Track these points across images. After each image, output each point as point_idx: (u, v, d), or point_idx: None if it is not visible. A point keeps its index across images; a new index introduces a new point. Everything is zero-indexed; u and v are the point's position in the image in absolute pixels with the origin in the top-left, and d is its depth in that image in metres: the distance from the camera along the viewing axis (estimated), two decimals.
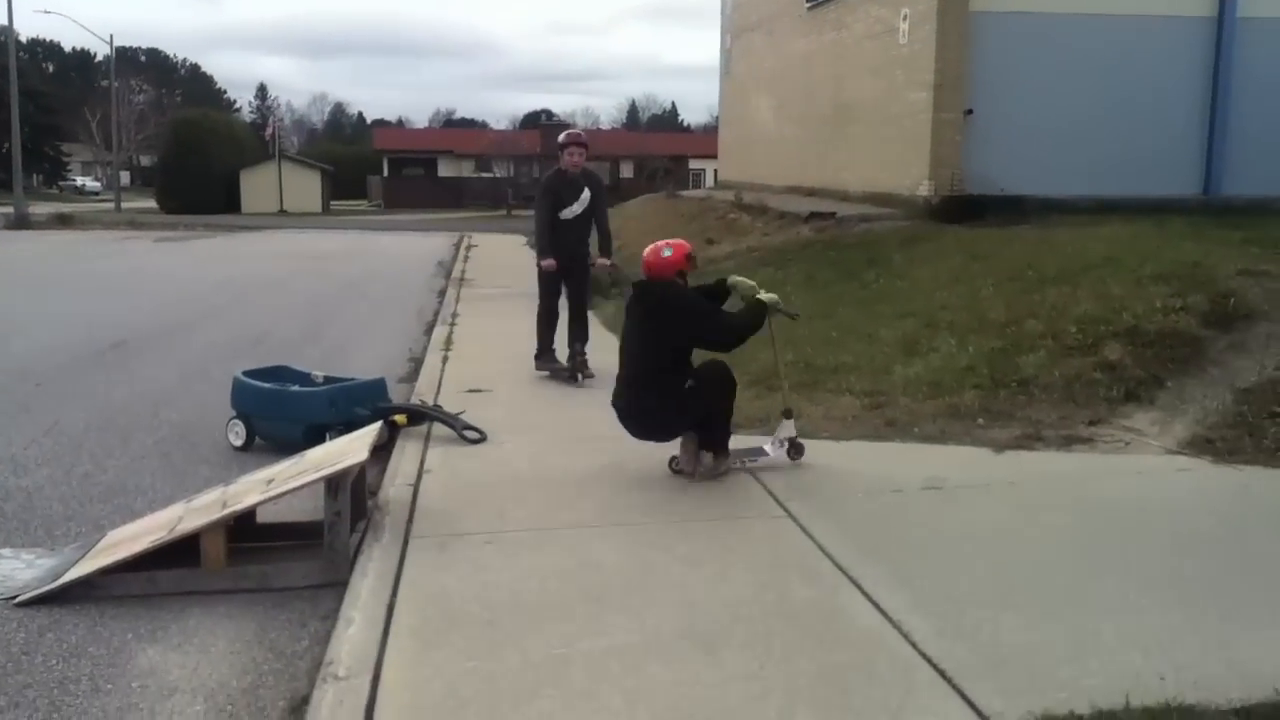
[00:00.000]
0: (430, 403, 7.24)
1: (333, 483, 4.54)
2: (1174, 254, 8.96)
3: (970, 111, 13.70)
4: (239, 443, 6.84)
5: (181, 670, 3.83)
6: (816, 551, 4.44)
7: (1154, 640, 3.53)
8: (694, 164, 54.89)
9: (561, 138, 8.63)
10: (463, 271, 18.19)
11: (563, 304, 8.73)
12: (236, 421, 6.87)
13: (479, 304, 13.67)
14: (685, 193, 28.24)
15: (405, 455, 6.16)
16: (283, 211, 49.28)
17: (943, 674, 3.33)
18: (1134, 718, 2.99)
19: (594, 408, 7.03)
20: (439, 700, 3.23)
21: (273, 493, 4.64)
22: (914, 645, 3.54)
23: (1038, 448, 5.94)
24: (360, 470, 4.98)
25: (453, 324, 11.69)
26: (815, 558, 4.38)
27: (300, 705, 3.46)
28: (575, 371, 8.25)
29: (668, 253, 5.63)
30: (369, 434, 5.14)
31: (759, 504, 5.10)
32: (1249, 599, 3.89)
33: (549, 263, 8.32)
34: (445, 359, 9.47)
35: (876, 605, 3.86)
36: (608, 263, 8.95)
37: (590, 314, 9.07)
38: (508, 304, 13.74)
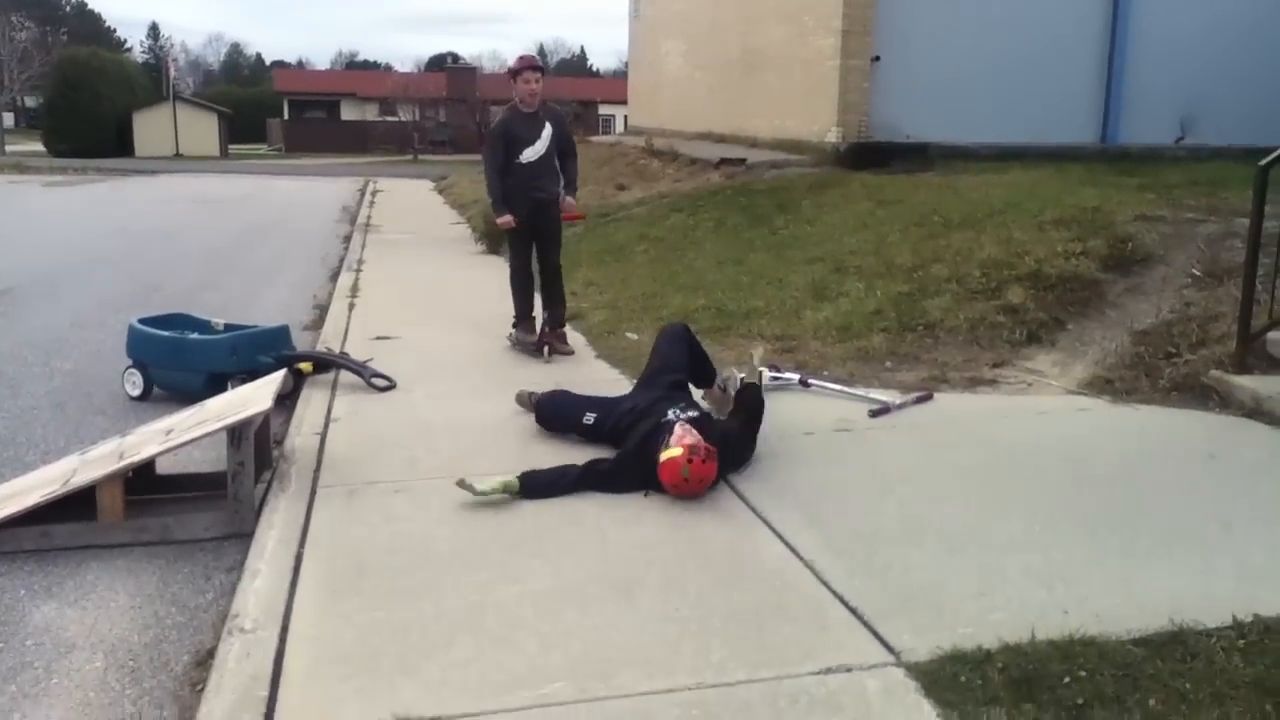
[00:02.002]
0: (337, 350, 7.09)
1: (235, 432, 4.41)
2: (1074, 200, 9.14)
3: (877, 59, 13.75)
4: (136, 392, 6.62)
5: (79, 626, 3.70)
6: (730, 494, 4.45)
7: (1057, 575, 3.62)
8: (604, 109, 54.48)
9: (513, 63, 7.25)
10: (368, 217, 17.81)
11: None
12: (133, 371, 6.64)
13: (386, 250, 13.40)
14: (595, 138, 27.99)
15: (311, 404, 6.02)
16: (179, 155, 47.55)
17: (854, 612, 3.37)
18: (1039, 651, 3.06)
19: (505, 354, 6.98)
20: (350, 650, 3.18)
21: (172, 443, 4.49)
22: (826, 584, 3.58)
23: (944, 389, 6.04)
24: (265, 419, 4.85)
25: (359, 270, 11.45)
26: (728, 500, 4.39)
27: (205, 659, 3.37)
28: (542, 345, 7.13)
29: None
30: (272, 382, 4.99)
31: None
32: (1145, 534, 4.01)
33: (506, 219, 7.13)
34: (351, 306, 9.27)
35: (789, 546, 3.90)
36: (574, 209, 7.50)
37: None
38: (416, 250, 13.52)
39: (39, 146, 49.56)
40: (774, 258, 9.64)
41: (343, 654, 3.16)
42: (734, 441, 4.74)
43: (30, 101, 73.29)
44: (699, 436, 4.43)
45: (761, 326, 7.45)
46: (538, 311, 7.37)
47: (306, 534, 4.09)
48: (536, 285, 7.39)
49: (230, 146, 52.43)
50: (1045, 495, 4.41)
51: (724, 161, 15.46)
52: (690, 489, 4.34)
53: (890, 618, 3.32)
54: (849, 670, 3.02)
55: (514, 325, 7.41)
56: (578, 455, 4.81)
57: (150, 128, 48.90)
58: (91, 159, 40.59)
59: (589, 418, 5.17)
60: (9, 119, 64.94)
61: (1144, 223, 8.20)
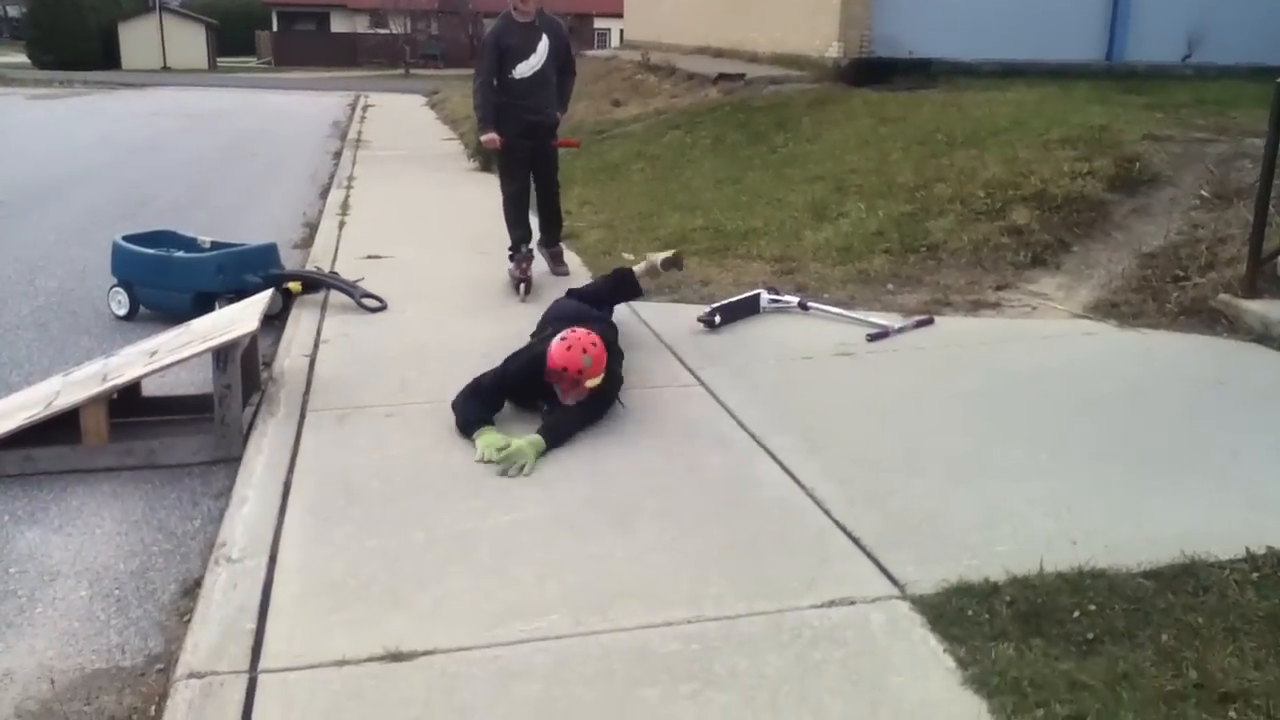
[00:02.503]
0: (327, 269, 6.93)
1: (221, 354, 4.29)
2: (1080, 118, 8.93)
3: None
4: (122, 312, 6.49)
5: (64, 553, 3.62)
6: (729, 419, 4.36)
7: (1063, 505, 3.54)
8: (599, 23, 53.26)
9: None
10: (359, 133, 17.46)
11: None
12: (119, 290, 6.49)
13: (377, 166, 13.14)
14: (590, 52, 27.42)
15: (301, 325, 5.89)
16: (166, 68, 46.62)
17: (856, 542, 3.30)
18: (1048, 584, 2.99)
19: (497, 274, 6.83)
20: (339, 580, 3.10)
21: (156, 365, 4.37)
22: (827, 513, 3.50)
23: (946, 313, 5.92)
24: (252, 340, 4.72)
25: (349, 188, 11.21)
26: (728, 426, 4.30)
27: (193, 588, 3.29)
28: (519, 283, 6.47)
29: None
30: (260, 302, 4.86)
31: (670, 373, 5.00)
32: (1153, 462, 3.93)
33: (489, 138, 6.54)
34: (341, 224, 9.08)
35: (790, 473, 3.81)
36: (569, 140, 6.98)
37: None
38: (407, 167, 13.26)
39: (24, 58, 48.53)
40: (773, 176, 9.45)
41: (331, 584, 3.08)
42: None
43: (13, 11, 71.68)
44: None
45: (760, 247, 7.30)
46: (535, 242, 6.92)
47: (295, 459, 3.99)
48: (532, 208, 6.96)
49: (218, 59, 51.39)
50: (1050, 422, 4.32)
51: (722, 77, 15.13)
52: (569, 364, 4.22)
53: (893, 548, 3.24)
54: (852, 603, 2.95)
55: (509, 256, 6.78)
56: None
57: (136, 39, 47.86)
58: (77, 71, 39.79)
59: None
60: None
61: (1152, 142, 8.00)
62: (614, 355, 4.67)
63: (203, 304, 6.13)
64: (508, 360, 4.54)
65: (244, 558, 3.25)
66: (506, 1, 6.68)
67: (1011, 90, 11.54)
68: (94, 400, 4.24)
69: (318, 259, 7.76)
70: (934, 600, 2.94)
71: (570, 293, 5.64)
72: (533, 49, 6.45)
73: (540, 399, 4.40)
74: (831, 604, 2.94)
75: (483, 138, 6.70)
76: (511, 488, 3.72)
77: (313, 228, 9.28)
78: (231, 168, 13.94)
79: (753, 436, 4.17)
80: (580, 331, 4.33)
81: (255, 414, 4.59)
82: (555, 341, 4.28)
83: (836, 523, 3.43)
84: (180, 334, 4.80)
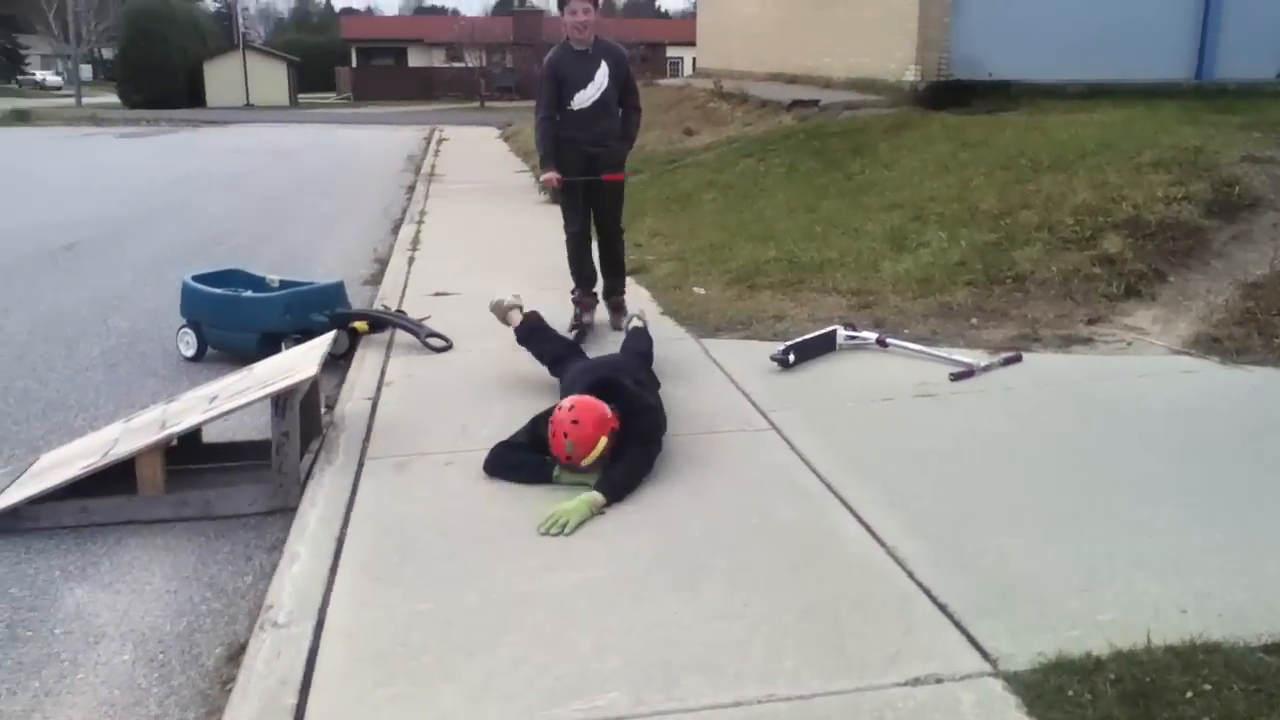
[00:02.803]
0: (394, 307, 6.84)
1: (279, 400, 4.17)
2: (1172, 140, 8.53)
3: None
4: (190, 353, 6.45)
5: (111, 613, 3.50)
6: (803, 467, 4.11)
7: (1170, 565, 3.24)
8: (672, 51, 53.48)
9: None
10: (433, 166, 17.58)
11: None
12: (187, 330, 6.47)
13: (449, 200, 13.15)
14: (662, 81, 27.41)
15: (365, 366, 5.79)
16: (249, 105, 47.86)
17: (943, 609, 3.03)
18: (1156, 659, 2.70)
19: (563, 309, 6.66)
20: (387, 649, 2.91)
21: (214, 412, 4.27)
22: (910, 575, 3.23)
23: (1035, 348, 5.61)
24: (313, 385, 4.62)
25: (420, 222, 11.21)
26: (802, 474, 4.05)
27: (238, 654, 3.13)
28: (573, 329, 6.26)
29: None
30: (321, 345, 4.74)
31: (741, 415, 4.76)
32: (1270, 516, 3.60)
33: (549, 175, 6.13)
34: (411, 260, 9.03)
35: (869, 529, 3.55)
36: (613, 173, 6.27)
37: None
38: (479, 200, 13.24)
39: (114, 98, 50.17)
40: (849, 205, 9.18)
41: (380, 653, 2.90)
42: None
43: (107, 52, 74.23)
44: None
45: (836, 279, 7.04)
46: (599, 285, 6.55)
47: (351, 511, 3.84)
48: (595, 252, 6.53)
49: (299, 95, 52.64)
50: (1154, 471, 4.00)
51: (796, 103, 14.91)
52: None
53: (984, 616, 2.97)
54: (939, 681, 2.68)
55: (572, 295, 6.54)
56: None
57: (221, 77, 49.26)
58: (164, 109, 41.01)
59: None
60: (86, 71, 65.87)
61: (1251, 164, 7.61)
62: (648, 392, 4.51)
63: (269, 344, 6.08)
64: (534, 422, 4.35)
65: (290, 622, 3.09)
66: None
67: (1097, 111, 11.13)
68: (150, 449, 4.15)
69: (386, 296, 7.69)
70: (1030, 678, 2.66)
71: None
72: (590, 78, 6.04)
73: None
74: (917, 682, 2.68)
75: (542, 177, 6.31)
76: (571, 544, 3.52)
77: (383, 263, 9.25)
78: (307, 203, 14.07)
79: (829, 486, 3.92)
80: (564, 405, 4.08)
81: (314, 461, 4.46)
82: (550, 421, 4.11)
83: (921, 586, 3.16)
84: (241, 378, 4.71)
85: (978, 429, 4.49)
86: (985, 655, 2.79)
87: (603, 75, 6.05)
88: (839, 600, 3.09)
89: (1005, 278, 6.56)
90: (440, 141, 23.62)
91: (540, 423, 4.32)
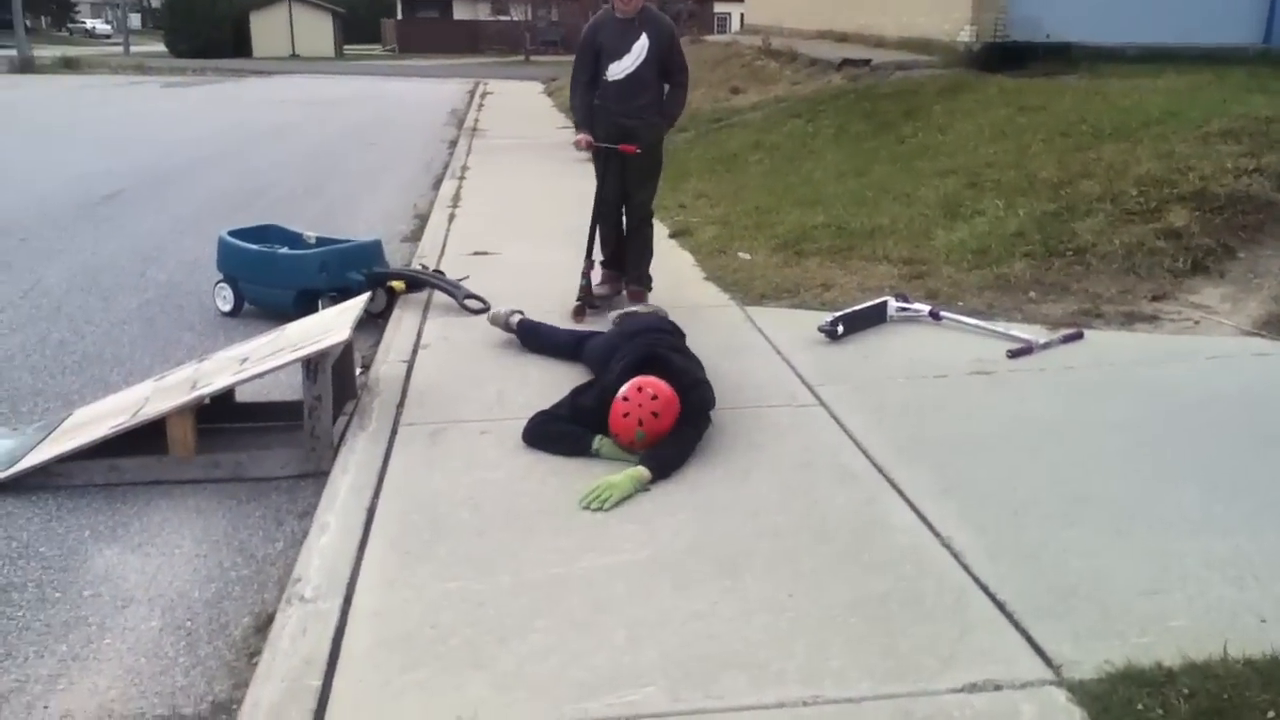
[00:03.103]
0: (432, 267, 6.71)
1: (311, 364, 4.05)
2: (1242, 108, 8.18)
3: None
4: (227, 308, 6.37)
5: (140, 576, 3.42)
6: (852, 448, 3.94)
7: (1246, 567, 3.04)
8: (719, 7, 52.63)
9: None
10: (476, 121, 17.40)
11: None
12: (224, 285, 6.38)
13: (491, 156, 12.98)
14: (709, 38, 26.96)
15: (401, 327, 5.66)
16: (294, 56, 47.76)
17: (1001, 608, 2.86)
18: (1233, 673, 2.52)
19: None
20: (415, 630, 2.80)
21: (245, 374, 4.16)
22: (966, 569, 3.06)
23: (1096, 325, 5.37)
24: (346, 347, 4.49)
25: (462, 178, 11.06)
26: (850, 455, 3.88)
27: (266, 625, 3.04)
28: (584, 303, 5.87)
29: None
30: (355, 307, 4.62)
31: (787, 390, 4.59)
32: None
33: (581, 138, 5.86)
34: (451, 217, 8.89)
35: (921, 516, 3.38)
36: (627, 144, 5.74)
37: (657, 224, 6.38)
38: (521, 157, 13.06)
39: (162, 47, 50.28)
40: (901, 170, 8.91)
41: (407, 634, 2.78)
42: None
43: (156, 2, 74.38)
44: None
45: (887, 248, 6.82)
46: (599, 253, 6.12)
47: (383, 482, 3.72)
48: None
49: (345, 47, 52.47)
50: (1224, 461, 3.79)
51: (846, 63, 14.57)
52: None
53: (1046, 618, 2.80)
54: (998, 688, 2.52)
55: (602, 264, 6.18)
56: None
57: (267, 28, 49.17)
58: (210, 59, 41.03)
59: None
60: (135, 20, 66.04)
61: None
62: (694, 365, 4.34)
63: (306, 302, 5.98)
64: (575, 393, 4.20)
65: (317, 598, 2.97)
66: None
67: (1160, 77, 10.74)
68: (180, 410, 4.05)
69: (425, 254, 7.56)
70: (1097, 689, 2.49)
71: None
72: (627, 49, 5.63)
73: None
74: (973, 688, 2.52)
75: (576, 138, 5.95)
76: (609, 524, 3.37)
77: (423, 220, 9.12)
78: (349, 156, 13.95)
79: (879, 469, 3.74)
80: (646, 392, 3.87)
81: (348, 425, 4.35)
82: (618, 398, 3.91)
83: (977, 581, 2.99)
84: (274, 339, 4.60)
85: (1036, 412, 4.28)
86: (1048, 661, 2.62)
87: (641, 47, 5.63)
88: (889, 595, 2.93)
89: (1065, 250, 6.30)
90: (484, 95, 23.41)
91: (584, 395, 4.18)
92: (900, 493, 3.55)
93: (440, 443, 4.05)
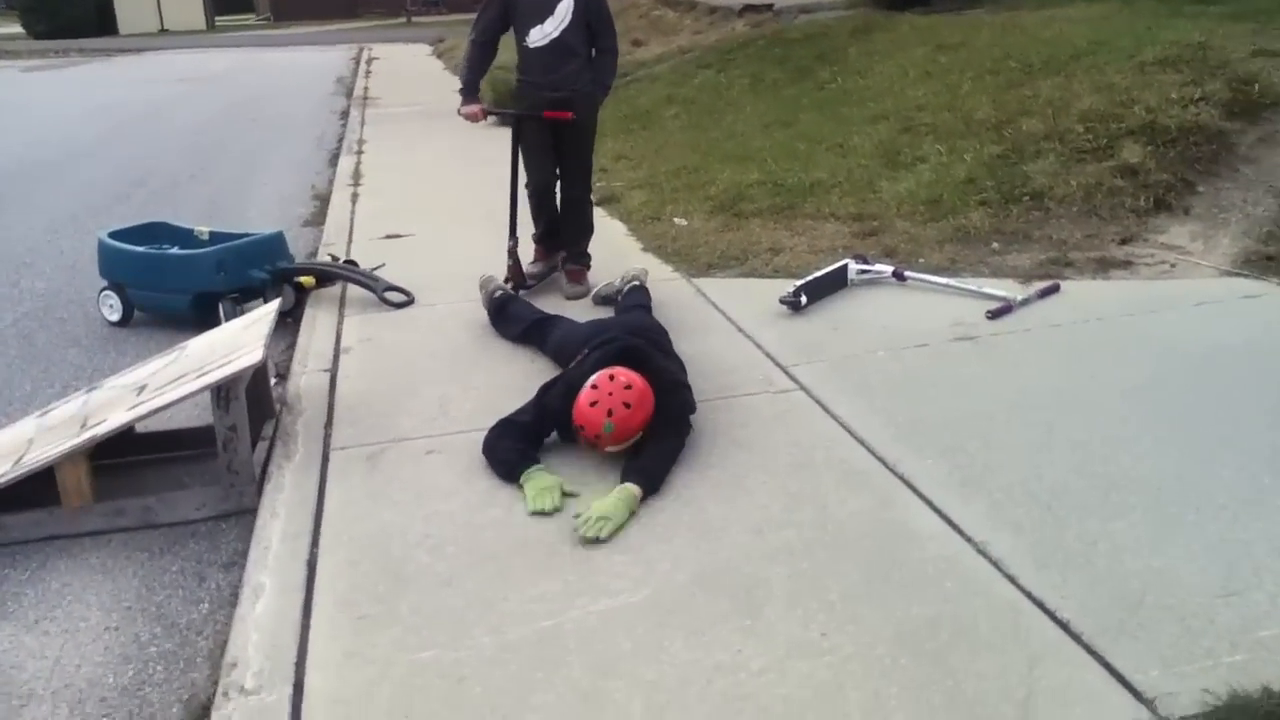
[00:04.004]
0: (343, 256, 6.09)
1: (222, 392, 3.49)
2: (1171, 35, 7.95)
3: None
4: (115, 317, 5.70)
5: (39, 663, 2.86)
6: (848, 439, 3.53)
7: None
8: None
9: None
10: (365, 88, 16.54)
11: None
12: (109, 293, 5.70)
13: (387, 126, 12.25)
14: None
15: (316, 329, 5.08)
16: (164, 31, 45.49)
17: (1066, 627, 2.48)
18: None
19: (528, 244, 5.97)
20: None
21: (143, 409, 3.56)
22: (1013, 580, 2.68)
23: (1069, 275, 5.05)
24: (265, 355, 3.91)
25: (360, 152, 10.36)
26: (848, 448, 3.47)
27: (200, 716, 2.53)
28: (516, 284, 5.25)
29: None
30: (265, 319, 4.03)
31: (760, 373, 4.15)
32: None
33: (471, 109, 5.17)
34: (355, 196, 8.24)
35: (946, 519, 2.99)
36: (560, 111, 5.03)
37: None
38: (420, 125, 12.33)
39: (18, 28, 47.46)
40: (828, 118, 8.52)
41: None
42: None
43: None
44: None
45: (832, 204, 6.42)
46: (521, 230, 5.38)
47: (320, 524, 3.19)
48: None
49: (217, 18, 50.22)
50: (1253, 423, 3.47)
51: (748, 9, 14.19)
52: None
53: (1120, 637, 2.43)
54: None
55: (535, 240, 5.61)
56: None
57: (132, 3, 46.65)
58: (73, 39, 38.81)
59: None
60: None
61: (1265, 59, 7.04)
62: (675, 366, 3.87)
63: (204, 306, 5.37)
64: (543, 391, 3.72)
65: (260, 688, 2.46)
66: None
67: (1071, 5, 10.53)
68: (70, 456, 3.46)
69: (331, 239, 6.94)
70: None
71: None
72: (550, 10, 4.92)
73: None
74: None
75: (461, 110, 5.22)
76: (594, 559, 2.91)
77: (323, 201, 8.44)
78: (233, 135, 13.06)
79: (884, 464, 3.34)
80: (619, 381, 3.42)
81: (269, 452, 3.79)
82: (586, 387, 3.45)
83: (1030, 596, 2.61)
84: (173, 361, 4.00)
85: (1035, 379, 3.92)
86: (1137, 694, 2.25)
87: (565, 8, 4.93)
88: (937, 622, 2.53)
89: (1021, 195, 5.97)
90: (370, 61, 22.39)
91: (551, 393, 3.68)
92: (916, 491, 3.15)
93: (381, 468, 3.53)
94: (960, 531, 2.91)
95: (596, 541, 2.96)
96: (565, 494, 3.28)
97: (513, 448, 3.50)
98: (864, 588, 2.68)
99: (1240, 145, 6.15)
